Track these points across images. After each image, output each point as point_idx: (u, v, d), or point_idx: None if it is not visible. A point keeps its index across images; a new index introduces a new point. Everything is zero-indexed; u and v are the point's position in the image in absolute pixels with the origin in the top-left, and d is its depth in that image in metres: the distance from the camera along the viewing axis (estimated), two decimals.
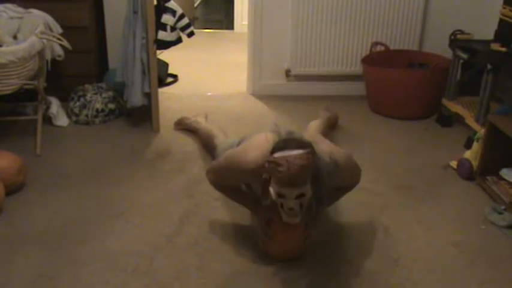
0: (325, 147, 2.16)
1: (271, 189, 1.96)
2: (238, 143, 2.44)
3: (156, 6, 3.13)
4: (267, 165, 1.94)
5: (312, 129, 3.01)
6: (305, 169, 1.87)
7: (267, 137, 2.11)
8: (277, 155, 1.91)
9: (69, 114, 3.44)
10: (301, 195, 1.93)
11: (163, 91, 3.96)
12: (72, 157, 3.00)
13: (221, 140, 2.89)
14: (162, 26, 3.20)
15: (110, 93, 3.48)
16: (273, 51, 3.93)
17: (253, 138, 2.22)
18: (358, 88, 3.97)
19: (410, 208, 2.62)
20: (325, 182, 2.02)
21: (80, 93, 3.43)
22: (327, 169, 2.01)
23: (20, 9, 3.22)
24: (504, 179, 2.72)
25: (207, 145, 3.04)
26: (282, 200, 1.95)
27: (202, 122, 3.26)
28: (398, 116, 3.66)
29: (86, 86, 3.50)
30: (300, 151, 1.90)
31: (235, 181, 2.28)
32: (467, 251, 2.31)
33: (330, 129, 3.27)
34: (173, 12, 3.25)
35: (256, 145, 2.11)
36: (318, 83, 4.02)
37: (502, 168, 2.75)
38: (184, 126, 3.37)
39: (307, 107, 3.74)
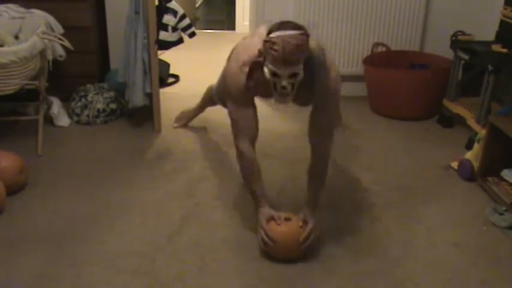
0: (319, 42, 2.21)
1: (265, 69, 2.04)
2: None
3: (158, 7, 3.14)
4: (263, 44, 2.02)
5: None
6: (299, 48, 1.96)
7: (254, 38, 2.21)
8: (272, 35, 1.99)
9: (71, 114, 3.44)
10: (294, 75, 2.02)
11: (164, 91, 3.96)
12: (74, 157, 3.00)
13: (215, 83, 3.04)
14: (163, 27, 3.21)
15: (112, 94, 3.48)
16: None
17: (240, 45, 2.32)
18: (359, 88, 3.97)
19: (411, 208, 2.62)
20: (316, 67, 2.10)
21: (82, 93, 3.44)
22: (317, 57, 2.10)
23: (22, 9, 3.22)
24: (505, 180, 2.72)
25: (210, 99, 3.18)
26: (275, 80, 2.03)
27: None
28: (400, 116, 3.66)
29: (88, 86, 3.50)
30: (295, 31, 1.98)
31: (238, 82, 2.25)
32: (468, 251, 2.31)
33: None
34: (174, 13, 3.26)
35: (238, 54, 2.23)
36: None
37: (503, 169, 2.75)
38: (185, 120, 3.42)
39: (309, 108, 3.74)
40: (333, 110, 2.28)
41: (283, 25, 2.02)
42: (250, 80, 2.16)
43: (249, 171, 2.29)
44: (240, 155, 2.28)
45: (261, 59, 2.07)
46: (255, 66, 2.12)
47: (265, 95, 2.25)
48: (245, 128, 2.28)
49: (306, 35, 2.00)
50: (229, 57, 2.42)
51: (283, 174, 2.89)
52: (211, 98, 3.16)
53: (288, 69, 1.99)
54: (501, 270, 2.19)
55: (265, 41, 2.00)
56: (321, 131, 2.27)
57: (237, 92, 2.23)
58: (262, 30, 2.17)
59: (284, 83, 2.02)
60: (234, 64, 2.23)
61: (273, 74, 2.02)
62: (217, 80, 2.93)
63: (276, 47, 1.96)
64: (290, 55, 1.95)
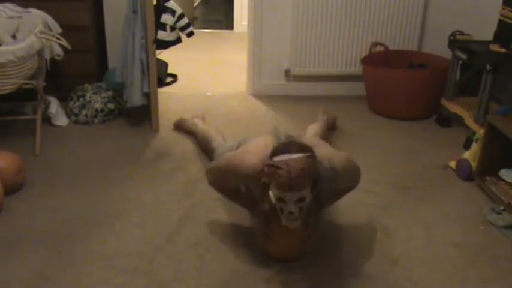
0: (324, 151, 2.15)
1: (271, 194, 1.95)
2: (237, 147, 2.44)
3: (156, 6, 3.13)
4: (266, 169, 1.93)
5: (310, 133, 3.01)
6: (305, 173, 1.87)
7: (266, 141, 2.11)
8: (277, 158, 1.90)
9: (69, 114, 3.44)
10: (301, 200, 1.92)
11: (162, 91, 3.96)
12: (72, 157, 3.00)
13: (219, 143, 2.89)
14: (161, 26, 3.20)
15: (110, 93, 3.48)
16: (273, 52, 3.93)
17: (252, 142, 2.22)
18: (357, 88, 3.97)
19: (409, 208, 2.62)
20: (325, 186, 2.03)
21: (79, 93, 3.43)
22: (326, 174, 2.01)
23: (19, 9, 3.21)
24: (503, 180, 2.72)
25: (205, 148, 3.03)
26: (281, 204, 1.94)
27: (199, 125, 3.25)
28: (398, 116, 3.66)
29: (85, 85, 3.50)
30: (300, 155, 1.89)
31: (234, 184, 2.27)
32: (467, 251, 2.31)
33: (329, 131, 3.27)
34: (173, 12, 3.25)
35: (255, 149, 2.11)
36: (317, 83, 4.03)
37: (501, 169, 2.75)
38: (182, 128, 3.37)
39: (307, 107, 3.75)
40: (351, 182, 2.28)
41: (287, 147, 1.93)
42: (264, 203, 2.07)
43: (227, 195, 2.35)
44: (212, 186, 2.32)
45: (266, 180, 1.97)
46: (266, 189, 2.00)
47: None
48: (224, 181, 2.26)
49: (312, 156, 1.92)
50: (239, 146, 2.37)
51: None
52: (207, 147, 3.00)
53: (295, 194, 1.89)
54: (499, 270, 2.19)
55: (269, 166, 1.91)
56: (349, 188, 2.30)
57: (244, 175, 2.10)
58: (269, 142, 2.10)
59: (291, 208, 1.91)
60: (254, 157, 2.09)
61: (279, 199, 1.93)
62: (218, 145, 2.85)
63: (280, 173, 1.86)
64: (296, 180, 1.85)
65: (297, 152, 1.90)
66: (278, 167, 1.87)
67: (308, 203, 1.95)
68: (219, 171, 2.25)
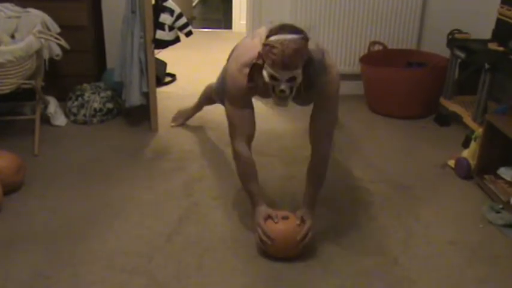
0: (319, 46, 2.21)
1: (264, 72, 2.04)
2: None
3: (154, 6, 3.13)
4: (262, 48, 2.02)
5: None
6: (298, 52, 1.96)
7: (254, 40, 2.21)
8: (272, 38, 1.99)
9: (67, 113, 3.44)
10: (292, 79, 2.01)
11: (161, 90, 3.96)
12: (70, 157, 3.00)
13: (213, 83, 3.01)
14: (160, 26, 3.20)
15: (108, 93, 3.48)
16: None
17: (241, 46, 2.33)
18: (356, 87, 3.97)
19: (408, 207, 2.62)
20: (315, 72, 2.10)
21: (78, 92, 3.43)
22: (317, 60, 2.10)
23: (18, 9, 3.21)
24: (502, 178, 2.73)
25: (209, 98, 3.14)
26: (274, 83, 2.03)
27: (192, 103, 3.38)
28: (397, 115, 3.66)
29: (84, 85, 3.50)
30: (294, 35, 1.97)
31: (240, 81, 2.24)
32: (465, 249, 2.31)
33: None
34: (171, 12, 3.26)
35: (239, 55, 2.24)
36: None
37: (499, 167, 2.76)
38: (181, 120, 3.41)
39: (306, 107, 3.74)
40: (333, 110, 2.29)
41: (282, 29, 2.01)
42: (250, 82, 2.16)
43: (246, 172, 2.30)
44: (237, 155, 2.29)
45: (261, 61, 2.07)
46: (255, 68, 2.11)
47: (264, 95, 2.26)
48: (242, 129, 2.28)
49: (305, 39, 2.00)
50: (230, 57, 2.42)
51: (280, 173, 2.89)
52: (209, 97, 3.15)
53: (287, 73, 1.99)
54: (498, 268, 2.20)
55: (264, 45, 2.01)
56: (321, 132, 2.27)
57: (235, 92, 2.23)
58: (263, 31, 2.16)
59: (283, 86, 2.02)
60: (233, 65, 2.23)
61: (272, 77, 2.02)
62: (216, 79, 2.92)
63: (275, 51, 1.96)
64: (289, 59, 1.95)
65: (291, 33, 1.98)
66: (273, 46, 1.96)
67: (298, 83, 2.04)
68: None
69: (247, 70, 2.15)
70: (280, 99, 2.08)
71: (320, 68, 2.13)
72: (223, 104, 2.68)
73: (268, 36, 2.02)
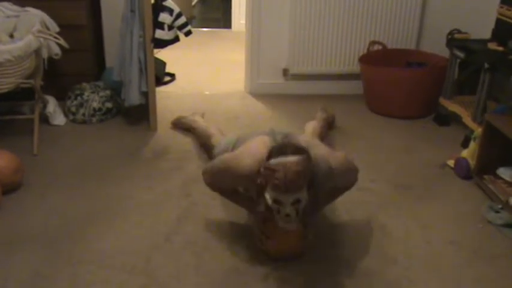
0: (321, 151, 2.15)
1: (267, 196, 1.96)
2: (234, 144, 2.44)
3: (154, 5, 3.13)
4: (263, 171, 1.94)
5: (308, 132, 3.01)
6: (301, 175, 1.88)
7: (263, 142, 2.11)
8: (273, 161, 1.92)
9: (66, 113, 3.43)
10: (297, 201, 1.92)
11: (160, 90, 3.96)
12: (70, 156, 3.00)
13: (218, 140, 2.89)
14: (159, 25, 3.20)
15: (107, 92, 3.47)
16: (271, 50, 3.93)
17: (249, 143, 2.22)
18: (355, 87, 3.98)
19: (407, 207, 2.62)
20: (321, 187, 2.04)
21: (77, 92, 3.43)
22: (322, 174, 2.02)
23: (17, 8, 3.21)
24: (501, 178, 2.72)
25: (204, 145, 3.03)
26: (278, 206, 1.94)
27: (199, 121, 3.25)
28: (396, 115, 3.66)
29: (83, 84, 3.49)
30: (296, 157, 1.90)
31: (231, 185, 2.27)
32: (465, 249, 2.31)
33: (327, 129, 3.27)
34: (170, 11, 3.26)
35: (252, 151, 2.12)
36: (315, 82, 4.03)
37: (499, 167, 2.75)
38: (181, 126, 3.37)
39: (305, 106, 3.75)
40: (348, 181, 2.29)
41: (283, 150, 1.95)
42: (260, 204, 2.09)
43: (225, 195, 2.34)
44: (209, 187, 2.31)
45: (263, 181, 1.97)
46: (262, 190, 2.01)
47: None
48: (220, 182, 2.25)
49: (308, 158, 1.94)
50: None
51: None
52: (206, 145, 3.00)
53: (291, 196, 1.90)
54: (497, 268, 2.20)
55: (265, 168, 1.93)
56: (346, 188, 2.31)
57: (240, 176, 2.10)
58: (267, 140, 2.11)
59: (287, 210, 1.92)
60: (250, 159, 2.09)
61: (275, 201, 1.94)
62: (218, 147, 2.75)
63: (277, 175, 1.87)
64: (292, 183, 1.87)
65: (292, 154, 1.92)
66: (274, 170, 1.88)
67: (304, 204, 1.95)
68: (216, 171, 2.24)
69: (258, 166, 2.03)
70: (287, 223, 1.96)
71: (327, 183, 2.06)
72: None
73: (268, 158, 1.96)
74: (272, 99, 3.89)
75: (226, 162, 2.17)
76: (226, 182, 2.23)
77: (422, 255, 2.26)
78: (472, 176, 2.84)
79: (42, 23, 3.08)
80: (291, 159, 1.90)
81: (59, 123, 3.37)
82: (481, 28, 3.48)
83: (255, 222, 2.21)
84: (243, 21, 5.08)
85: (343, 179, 2.20)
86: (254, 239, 2.22)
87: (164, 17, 3.21)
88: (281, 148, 1.96)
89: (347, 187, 2.32)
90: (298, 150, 1.95)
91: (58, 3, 3.40)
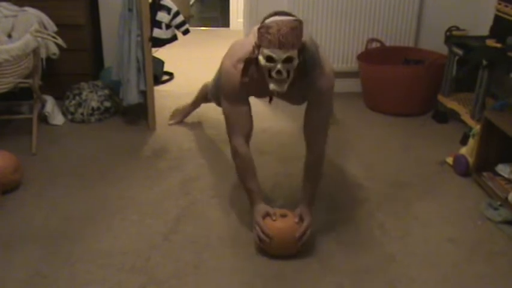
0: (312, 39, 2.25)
1: (260, 57, 2.01)
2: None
3: (151, 4, 3.13)
4: (258, 31, 2.01)
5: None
6: (294, 32, 1.96)
7: (248, 39, 2.23)
8: (267, 20, 2.02)
9: (65, 112, 3.43)
10: (289, 60, 1.98)
11: (159, 89, 3.96)
12: (68, 156, 2.99)
13: (208, 83, 3.04)
14: (157, 24, 3.20)
15: (106, 92, 3.47)
16: None
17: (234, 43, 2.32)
18: (353, 85, 3.97)
19: (406, 204, 2.62)
20: (310, 63, 2.09)
21: (76, 91, 3.42)
22: (311, 52, 2.10)
23: (14, 8, 3.20)
24: (500, 175, 2.73)
25: (205, 97, 3.16)
26: (270, 65, 2.00)
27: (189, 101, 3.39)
28: (394, 112, 3.66)
29: (82, 84, 3.49)
30: (288, 17, 2.03)
31: (235, 79, 2.24)
32: (464, 246, 2.31)
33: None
34: (168, 10, 3.26)
35: (240, 44, 2.25)
36: None
37: (497, 164, 2.76)
38: (179, 118, 3.41)
39: (304, 104, 3.74)
40: (327, 107, 2.28)
41: (277, 13, 2.06)
42: (244, 77, 2.15)
43: (244, 169, 2.29)
44: (235, 152, 2.28)
45: (256, 55, 2.05)
46: (250, 63, 2.11)
47: (260, 92, 2.25)
48: (239, 126, 2.27)
49: (300, 21, 2.01)
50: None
51: (278, 171, 2.89)
52: (205, 96, 3.15)
53: (284, 52, 1.97)
54: (496, 265, 2.20)
55: (260, 28, 2.00)
56: (316, 129, 2.27)
57: (231, 89, 2.22)
58: (256, 29, 2.16)
59: (279, 66, 1.98)
60: (228, 61, 2.22)
61: (268, 58, 1.99)
62: (212, 78, 2.91)
63: (270, 31, 1.95)
64: (285, 37, 1.94)
65: (286, 15, 2.05)
66: (269, 26, 1.97)
67: (295, 66, 2.01)
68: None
69: (241, 66, 2.14)
70: (277, 82, 2.03)
71: (313, 60, 2.12)
72: (218, 104, 2.69)
73: (263, 22, 2.04)
74: None
75: (217, 74, 2.37)
76: (231, 77, 2.26)
77: (421, 252, 2.27)
78: (470, 173, 2.84)
79: (40, 23, 3.08)
80: (284, 18, 2.02)
81: (58, 122, 3.37)
82: (479, 25, 3.49)
83: (255, 219, 2.21)
84: (240, 20, 5.09)
85: (326, 70, 2.20)
86: (253, 237, 2.22)
87: (162, 16, 3.21)
88: (274, 12, 2.08)
89: (327, 93, 2.25)
90: (291, 14, 2.08)
91: (56, 3, 3.40)
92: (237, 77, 2.17)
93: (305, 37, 2.07)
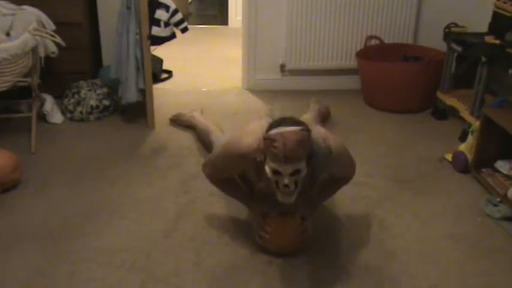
0: (320, 130, 2.15)
1: (267, 168, 1.95)
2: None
3: (150, 2, 3.12)
4: (262, 142, 1.94)
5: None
6: (300, 144, 1.86)
7: (261, 123, 2.12)
8: (272, 131, 1.91)
9: (64, 111, 3.43)
10: (296, 172, 1.91)
11: (157, 87, 3.95)
12: (67, 154, 2.99)
13: (217, 136, 2.89)
14: (155, 22, 3.19)
15: (105, 90, 3.47)
16: (268, 46, 3.92)
17: (248, 125, 2.22)
18: (353, 82, 3.97)
19: (405, 201, 2.62)
20: (320, 164, 2.02)
21: (74, 90, 3.42)
22: (321, 151, 2.02)
23: (13, 6, 3.20)
24: (499, 171, 2.72)
25: (204, 141, 3.04)
26: (277, 178, 1.93)
27: (197, 118, 3.24)
28: (393, 109, 3.66)
29: (80, 82, 3.49)
30: (295, 127, 1.90)
31: (232, 170, 2.26)
32: (463, 243, 2.32)
33: (321, 121, 3.27)
34: (167, 8, 3.25)
35: (251, 131, 2.11)
36: (312, 77, 4.02)
37: (497, 161, 2.76)
38: (180, 122, 3.36)
39: (302, 102, 3.74)
40: (349, 170, 2.29)
41: (282, 121, 1.94)
42: (259, 182, 2.10)
43: (224, 188, 2.33)
44: (210, 181, 2.32)
45: (262, 156, 1.98)
46: (261, 167, 2.02)
47: (267, 190, 2.15)
48: (221, 169, 2.25)
49: (307, 130, 1.92)
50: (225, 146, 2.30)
51: None
52: (205, 142, 3.03)
53: (290, 166, 1.88)
54: (496, 261, 2.20)
55: (265, 139, 1.91)
56: (344, 179, 2.31)
57: (241, 155, 2.09)
58: (264, 123, 2.09)
59: (286, 181, 1.90)
60: (247, 137, 2.09)
61: (275, 172, 1.92)
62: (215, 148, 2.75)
63: (276, 144, 1.86)
64: (291, 152, 1.85)
65: (292, 125, 1.91)
66: (273, 139, 1.87)
67: (303, 178, 1.95)
68: (216, 158, 2.25)
69: (255, 145, 2.03)
70: (285, 195, 1.96)
71: (326, 162, 2.05)
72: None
73: (268, 130, 1.95)
74: (269, 94, 3.89)
75: (227, 145, 2.17)
76: (227, 168, 2.22)
77: (421, 249, 2.27)
78: (470, 169, 2.84)
79: (38, 21, 3.08)
80: (291, 129, 1.88)
81: (57, 121, 3.36)
82: (478, 21, 3.48)
83: (254, 218, 2.21)
84: (239, 18, 5.08)
85: (341, 163, 2.18)
86: (253, 235, 2.22)
87: (160, 14, 3.20)
88: (280, 120, 1.96)
89: (345, 178, 2.30)
90: (298, 122, 1.94)
91: (54, 1, 3.39)
92: (249, 149, 2.05)
93: (318, 138, 2.01)
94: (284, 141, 1.85)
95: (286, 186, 1.91)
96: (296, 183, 1.93)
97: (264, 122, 2.09)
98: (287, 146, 1.84)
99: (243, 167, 2.22)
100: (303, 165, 1.91)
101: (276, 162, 1.89)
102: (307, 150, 1.91)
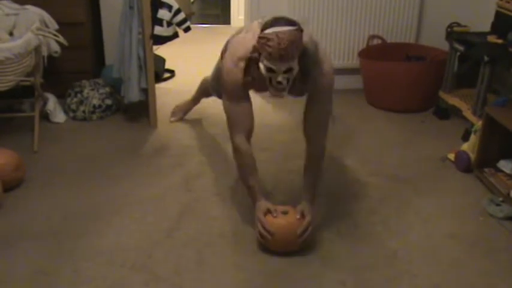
0: (308, 30, 2.20)
1: (261, 65, 2.06)
2: None
3: (152, 1, 3.12)
4: (258, 41, 2.04)
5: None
6: (294, 44, 1.98)
7: (246, 36, 2.22)
8: (267, 31, 2.01)
9: (66, 110, 3.43)
10: (289, 70, 2.04)
11: (160, 86, 3.96)
12: (70, 153, 3.00)
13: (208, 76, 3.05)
14: (158, 21, 3.19)
15: (107, 89, 3.47)
16: None
17: (233, 41, 2.34)
18: (355, 81, 3.97)
19: (408, 200, 2.62)
20: (310, 62, 2.12)
21: (77, 89, 3.43)
22: (311, 52, 2.12)
23: (16, 6, 3.21)
24: (502, 171, 2.72)
25: (205, 92, 3.17)
26: (271, 75, 2.06)
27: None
28: (396, 109, 3.66)
29: (83, 82, 3.49)
30: (288, 27, 2.00)
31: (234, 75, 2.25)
32: (465, 242, 2.31)
33: None
34: (169, 7, 3.25)
35: (241, 40, 2.24)
36: None
37: (499, 160, 2.75)
38: (181, 114, 3.42)
39: (303, 101, 3.73)
40: (327, 103, 2.29)
41: (276, 21, 2.04)
42: (247, 76, 2.17)
43: (245, 166, 2.30)
44: (236, 150, 2.29)
45: (256, 54, 2.08)
46: (251, 62, 2.12)
47: (260, 89, 2.26)
48: (240, 123, 2.28)
49: (300, 30, 2.02)
50: (223, 51, 2.42)
51: (278, 167, 2.89)
52: (205, 90, 3.16)
53: (283, 64, 2.01)
54: (498, 261, 2.20)
55: (260, 38, 2.02)
56: (316, 124, 2.28)
57: (233, 87, 2.23)
58: (256, 26, 2.18)
59: (280, 78, 2.04)
60: (229, 60, 2.23)
61: (269, 69, 2.04)
62: (211, 73, 2.92)
63: (270, 43, 1.97)
64: (285, 51, 1.97)
65: (285, 25, 2.01)
66: (268, 39, 1.98)
67: (295, 74, 2.06)
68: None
69: (242, 64, 2.16)
70: (277, 91, 2.10)
71: (313, 60, 2.14)
72: (219, 97, 2.70)
73: (263, 30, 2.04)
74: None
75: (215, 69, 2.39)
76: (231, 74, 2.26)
77: (423, 248, 2.27)
78: (472, 169, 2.84)
79: (41, 21, 3.08)
80: (285, 29, 1.99)
81: (59, 120, 3.37)
82: (481, 21, 3.47)
83: (256, 216, 2.21)
84: (242, 17, 5.08)
85: (325, 70, 2.21)
86: (255, 234, 2.22)
87: (163, 13, 3.20)
88: (274, 20, 2.05)
89: (326, 92, 2.27)
90: (291, 22, 2.04)
91: (57, 1, 3.39)
92: (238, 76, 2.18)
93: (305, 37, 2.07)
94: (279, 40, 1.96)
95: (279, 83, 2.05)
96: (288, 80, 2.07)
97: (250, 34, 2.19)
98: (281, 45, 1.96)
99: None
100: (295, 64, 2.04)
101: (270, 60, 2.01)
102: (299, 49, 2.03)
